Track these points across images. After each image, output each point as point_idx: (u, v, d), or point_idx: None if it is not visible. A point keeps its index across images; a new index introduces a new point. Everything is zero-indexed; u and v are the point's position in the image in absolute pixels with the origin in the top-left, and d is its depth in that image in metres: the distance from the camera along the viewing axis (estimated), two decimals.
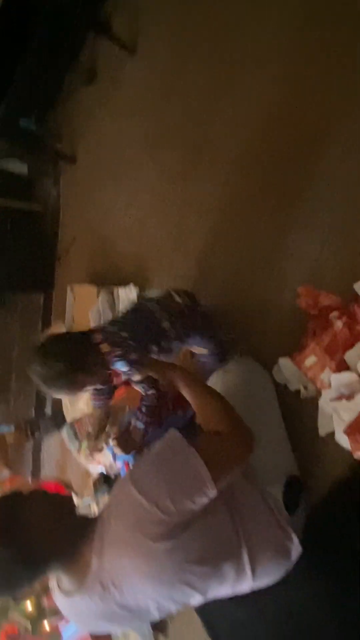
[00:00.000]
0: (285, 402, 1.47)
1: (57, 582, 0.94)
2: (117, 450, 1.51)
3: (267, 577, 1.05)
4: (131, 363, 1.25)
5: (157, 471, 0.90)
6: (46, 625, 1.99)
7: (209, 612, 1.37)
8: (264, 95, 1.73)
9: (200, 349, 1.60)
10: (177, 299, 1.43)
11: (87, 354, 1.21)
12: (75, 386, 1.22)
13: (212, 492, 0.89)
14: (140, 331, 1.31)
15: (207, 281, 1.87)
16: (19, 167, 2.69)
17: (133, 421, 1.48)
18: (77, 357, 1.18)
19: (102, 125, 2.43)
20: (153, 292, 1.51)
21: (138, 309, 1.41)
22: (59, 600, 0.96)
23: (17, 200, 2.54)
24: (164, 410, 1.58)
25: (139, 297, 2.01)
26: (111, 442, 1.55)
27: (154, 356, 1.37)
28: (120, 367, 1.25)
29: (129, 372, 1.27)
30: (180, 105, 2.06)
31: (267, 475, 1.19)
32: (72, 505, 0.99)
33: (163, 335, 1.37)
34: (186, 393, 1.16)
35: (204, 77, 1.99)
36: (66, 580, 0.91)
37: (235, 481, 1.09)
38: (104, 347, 1.23)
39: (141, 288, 2.08)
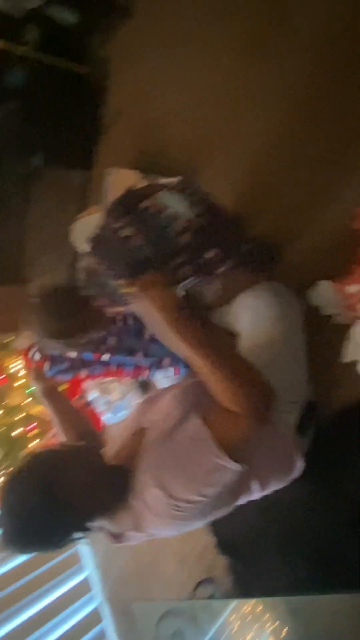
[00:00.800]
0: (313, 325, 1.46)
1: None
2: None
3: (274, 487, 1.17)
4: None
5: (178, 466, 0.91)
6: None
7: None
8: None
9: None
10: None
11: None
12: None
13: (236, 466, 0.90)
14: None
15: (261, 182, 1.73)
16: (67, 18, 2.34)
17: None
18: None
19: None
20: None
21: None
22: None
23: (63, 58, 2.27)
24: None
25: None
26: None
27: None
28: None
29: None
30: None
31: (282, 398, 1.22)
32: (100, 456, 1.04)
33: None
34: (193, 354, 0.88)
35: None
36: (109, 526, 1.01)
37: None
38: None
39: (187, 182, 1.94)
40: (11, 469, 2.11)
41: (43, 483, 0.86)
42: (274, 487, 1.18)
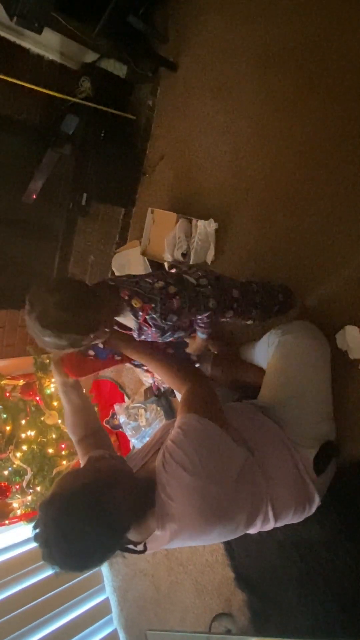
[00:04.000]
0: (339, 368, 1.51)
1: None
2: None
3: (288, 521, 1.21)
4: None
5: (198, 450, 1.02)
6: None
7: None
8: None
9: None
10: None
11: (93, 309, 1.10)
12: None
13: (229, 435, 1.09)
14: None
15: (290, 230, 1.82)
16: (118, 69, 2.57)
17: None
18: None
19: (212, 31, 2.20)
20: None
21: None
22: None
23: (113, 105, 2.47)
24: None
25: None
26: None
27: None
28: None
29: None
30: (310, 21, 1.81)
31: (304, 436, 1.28)
32: (131, 470, 1.09)
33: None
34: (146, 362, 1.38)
35: None
36: (131, 535, 1.04)
37: (269, 444, 1.22)
38: (135, 302, 1.18)
39: (221, 224, 2.06)
40: (39, 487, 2.23)
41: (94, 504, 0.89)
42: (287, 516, 1.21)
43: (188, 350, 1.57)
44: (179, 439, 1.03)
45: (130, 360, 1.49)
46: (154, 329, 1.24)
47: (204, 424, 1.06)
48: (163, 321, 1.20)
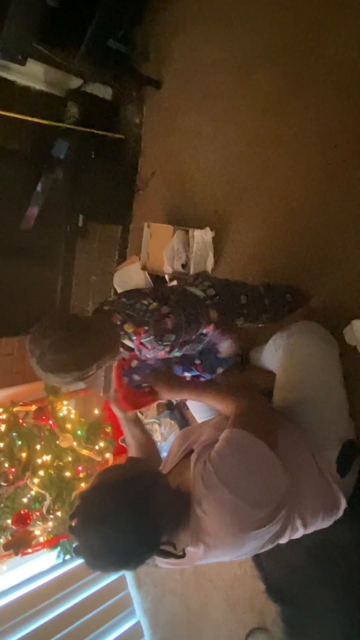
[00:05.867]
0: (350, 364, 1.49)
1: None
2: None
3: (317, 527, 1.18)
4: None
5: (244, 470, 0.95)
6: None
7: None
8: None
9: None
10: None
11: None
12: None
13: (279, 460, 0.99)
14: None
15: (287, 230, 1.82)
16: (103, 92, 2.63)
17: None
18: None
19: (191, 44, 2.25)
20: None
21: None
22: None
23: (101, 127, 2.52)
24: None
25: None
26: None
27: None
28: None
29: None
30: (287, 25, 1.83)
31: (323, 438, 1.25)
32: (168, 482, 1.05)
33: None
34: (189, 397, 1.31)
35: None
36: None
37: (293, 447, 1.18)
38: (128, 327, 1.18)
39: (218, 232, 2.07)
40: (60, 512, 2.20)
41: (139, 495, 0.89)
42: (316, 524, 1.18)
43: (221, 355, 1.51)
44: (225, 454, 0.98)
45: None
46: (159, 348, 1.23)
47: (255, 444, 0.98)
48: (160, 342, 1.19)
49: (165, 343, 1.20)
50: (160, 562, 1.07)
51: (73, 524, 0.89)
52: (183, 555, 0.97)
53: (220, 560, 1.08)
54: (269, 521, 0.96)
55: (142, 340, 1.19)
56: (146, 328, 1.17)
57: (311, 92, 1.75)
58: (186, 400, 1.65)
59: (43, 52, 2.25)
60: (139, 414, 1.47)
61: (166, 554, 0.94)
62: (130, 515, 0.86)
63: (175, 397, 1.36)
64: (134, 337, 1.20)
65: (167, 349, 1.25)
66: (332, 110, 1.69)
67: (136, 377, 1.37)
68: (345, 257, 1.63)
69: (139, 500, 0.88)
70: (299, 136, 1.79)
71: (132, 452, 1.38)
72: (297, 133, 1.80)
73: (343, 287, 1.63)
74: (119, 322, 1.18)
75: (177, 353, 1.33)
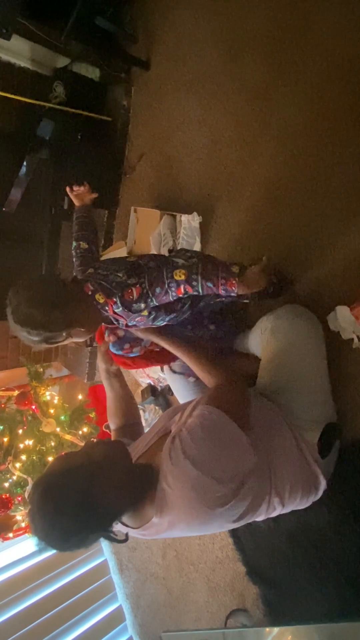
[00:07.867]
0: (334, 350, 1.50)
1: None
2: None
3: (294, 507, 1.20)
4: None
5: (210, 447, 0.98)
6: None
7: None
8: None
9: None
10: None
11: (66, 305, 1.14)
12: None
13: (248, 439, 1.01)
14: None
15: (274, 216, 1.81)
16: (90, 72, 2.57)
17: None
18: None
19: (181, 26, 2.21)
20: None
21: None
22: None
23: (88, 108, 2.47)
24: None
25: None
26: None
27: None
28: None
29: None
30: (276, 10, 1.82)
31: (305, 420, 1.27)
32: (129, 457, 1.07)
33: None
34: (174, 352, 1.35)
35: None
36: (127, 520, 1.05)
37: (273, 427, 1.20)
38: (99, 297, 1.18)
39: (205, 217, 2.05)
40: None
41: (79, 487, 0.91)
42: (294, 503, 1.20)
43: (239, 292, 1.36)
44: (194, 431, 0.99)
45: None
46: (134, 316, 1.24)
47: (224, 423, 1.00)
48: (131, 312, 1.20)
49: (136, 311, 1.21)
50: (132, 532, 1.08)
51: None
52: (125, 540, 1.02)
53: (188, 535, 1.10)
54: (233, 497, 0.98)
55: (115, 311, 1.21)
56: (115, 299, 1.18)
57: (300, 78, 1.74)
58: (170, 366, 1.65)
59: (29, 27, 2.18)
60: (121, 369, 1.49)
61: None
62: (68, 505, 0.89)
63: (161, 343, 1.37)
64: (107, 308, 1.20)
65: (151, 317, 1.25)
66: (321, 96, 1.68)
67: (126, 346, 1.40)
68: (330, 244, 1.64)
69: (78, 490, 0.91)
70: (288, 122, 1.78)
71: (110, 404, 1.39)
72: (286, 118, 1.79)
73: (327, 273, 1.64)
74: (90, 292, 1.19)
75: (160, 322, 1.34)
